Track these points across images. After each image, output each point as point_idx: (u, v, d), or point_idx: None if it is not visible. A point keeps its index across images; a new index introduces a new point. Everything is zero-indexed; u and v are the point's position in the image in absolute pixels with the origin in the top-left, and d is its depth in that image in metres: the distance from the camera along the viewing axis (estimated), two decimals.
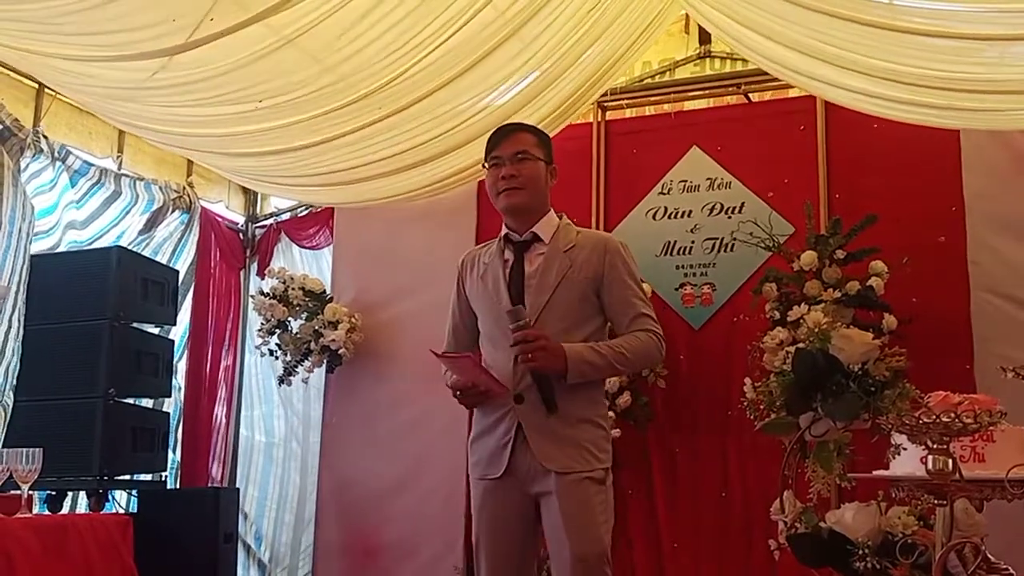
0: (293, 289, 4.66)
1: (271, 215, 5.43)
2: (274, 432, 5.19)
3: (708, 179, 4.32)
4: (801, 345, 3.17)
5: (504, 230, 2.58)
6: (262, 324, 4.69)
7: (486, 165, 2.56)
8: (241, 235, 5.39)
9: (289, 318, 4.67)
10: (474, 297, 2.60)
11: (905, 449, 2.22)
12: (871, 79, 3.34)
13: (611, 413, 3.91)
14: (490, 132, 2.61)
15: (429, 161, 4.26)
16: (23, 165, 3.83)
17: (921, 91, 3.29)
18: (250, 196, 5.45)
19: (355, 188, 4.56)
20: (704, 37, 4.48)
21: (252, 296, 4.86)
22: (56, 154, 4.07)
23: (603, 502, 2.37)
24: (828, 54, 3.28)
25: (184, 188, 4.85)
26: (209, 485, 4.89)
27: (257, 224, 5.44)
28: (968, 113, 3.45)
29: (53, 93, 4.02)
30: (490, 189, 2.55)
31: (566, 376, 2.36)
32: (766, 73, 4.27)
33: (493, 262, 2.56)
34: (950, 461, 1.94)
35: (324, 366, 4.70)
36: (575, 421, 2.40)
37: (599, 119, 4.55)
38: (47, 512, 3.72)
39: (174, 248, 4.81)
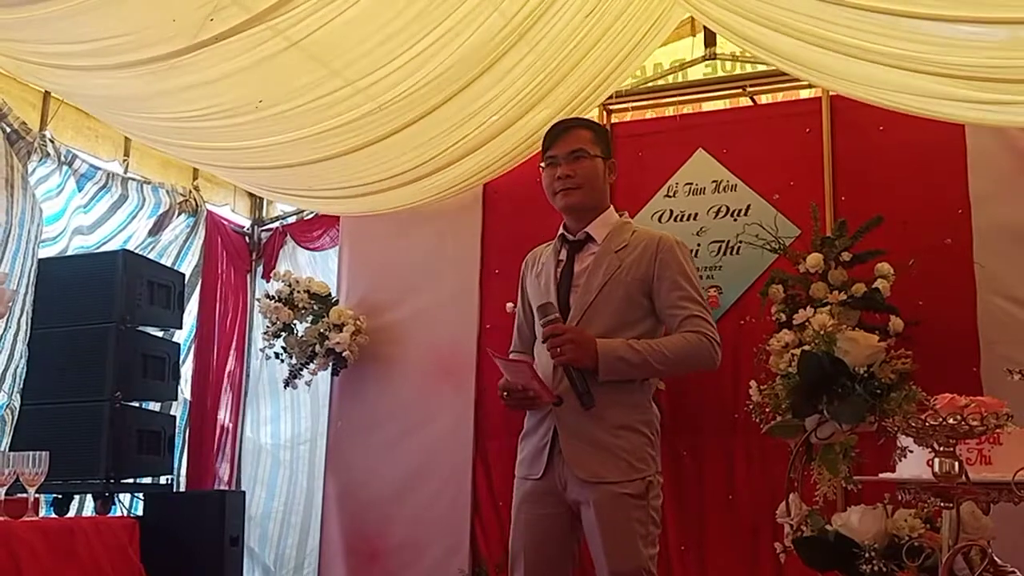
0: (298, 292, 4.67)
1: (277, 218, 5.44)
2: (279, 435, 5.20)
3: (714, 182, 4.32)
4: (807, 348, 3.17)
5: (561, 229, 2.55)
6: (267, 327, 4.70)
7: (542, 164, 2.53)
8: (247, 238, 5.40)
9: (294, 321, 4.67)
10: (531, 296, 2.57)
11: (911, 452, 2.21)
12: (879, 67, 3.30)
13: None
14: (547, 128, 2.56)
15: (439, 171, 4.27)
16: (30, 169, 3.85)
17: (929, 78, 3.26)
18: (256, 200, 5.46)
19: (363, 200, 4.57)
20: (709, 39, 4.48)
21: (257, 299, 4.87)
22: (63, 158, 4.08)
23: (641, 518, 2.30)
24: (836, 42, 3.24)
25: (190, 191, 4.86)
26: (215, 488, 4.90)
27: (263, 227, 5.45)
28: (976, 105, 3.42)
29: (60, 97, 4.04)
30: (547, 189, 2.52)
31: (598, 371, 2.31)
32: (772, 75, 4.27)
33: (548, 261, 2.53)
34: (956, 464, 1.93)
35: (329, 369, 4.71)
36: (614, 427, 2.33)
37: (604, 122, 4.54)
38: (53, 515, 3.73)
39: (179, 251, 4.83)
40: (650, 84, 4.68)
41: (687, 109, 4.63)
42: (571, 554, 2.46)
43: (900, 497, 2.33)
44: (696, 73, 4.65)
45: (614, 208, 2.57)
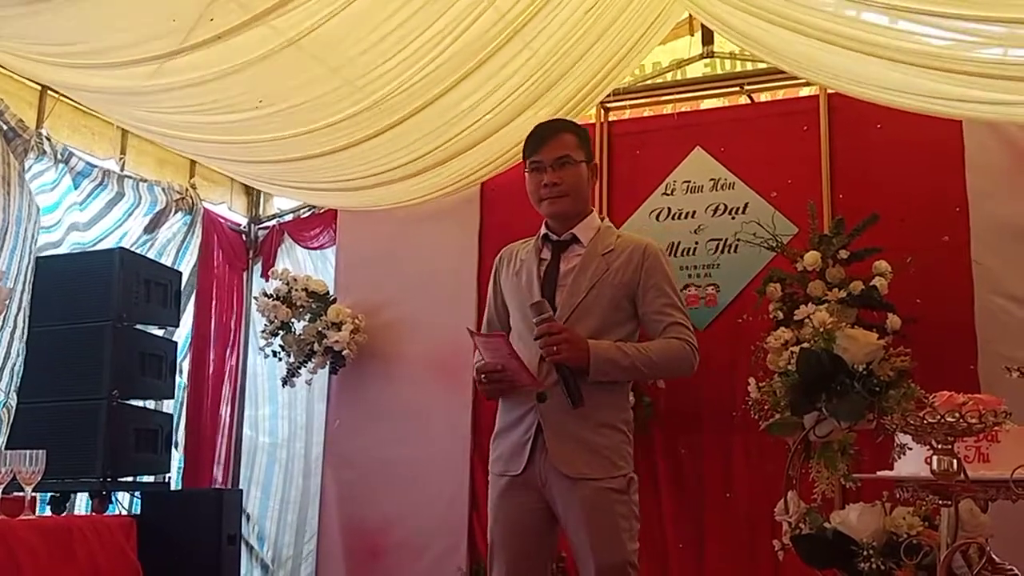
0: (296, 290, 4.66)
1: (274, 216, 5.42)
2: (278, 433, 5.19)
3: (712, 180, 4.32)
4: (805, 345, 3.17)
5: (543, 229, 2.56)
6: (265, 325, 4.70)
7: (526, 169, 2.53)
8: (244, 236, 5.38)
9: (292, 319, 4.67)
10: (508, 292, 2.58)
11: (910, 449, 2.21)
12: (877, 62, 3.30)
13: None
14: (530, 130, 2.55)
15: (435, 167, 4.27)
16: (27, 166, 3.84)
17: (930, 73, 3.25)
18: (253, 197, 5.45)
19: (361, 194, 4.57)
20: (707, 38, 4.48)
21: (255, 297, 4.86)
22: (59, 156, 4.07)
23: (624, 513, 2.35)
24: (835, 33, 3.24)
25: (187, 189, 4.85)
26: (212, 486, 4.89)
27: (260, 225, 5.43)
28: (973, 104, 3.42)
29: (56, 95, 4.02)
30: (532, 194, 2.53)
31: (588, 371, 2.33)
32: (769, 73, 4.27)
33: (529, 259, 2.54)
34: (955, 461, 1.93)
35: (328, 367, 4.70)
36: (596, 425, 2.37)
37: (602, 120, 4.55)
38: (50, 514, 3.72)
39: (177, 250, 4.81)
40: (648, 82, 4.68)
41: (685, 107, 4.62)
42: (550, 549, 2.48)
43: (898, 495, 2.33)
44: (694, 71, 4.65)
45: (596, 212, 2.60)
